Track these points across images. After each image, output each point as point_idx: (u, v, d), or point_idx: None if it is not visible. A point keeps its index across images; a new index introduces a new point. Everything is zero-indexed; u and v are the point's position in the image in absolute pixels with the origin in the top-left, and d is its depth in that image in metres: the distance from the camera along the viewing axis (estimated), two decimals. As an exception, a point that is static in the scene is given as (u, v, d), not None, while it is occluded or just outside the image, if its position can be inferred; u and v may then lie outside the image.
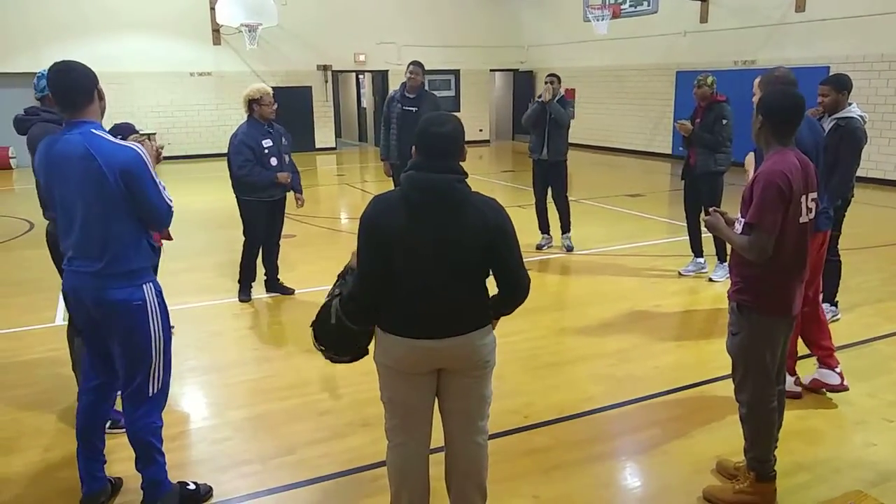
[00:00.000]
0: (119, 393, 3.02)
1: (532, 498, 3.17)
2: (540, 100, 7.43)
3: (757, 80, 3.99)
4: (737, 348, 3.02)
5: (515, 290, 2.51)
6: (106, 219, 2.71)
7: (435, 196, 2.38)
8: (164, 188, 2.86)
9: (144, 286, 2.85)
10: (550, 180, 7.63)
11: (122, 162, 2.67)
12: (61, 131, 2.76)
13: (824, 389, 4.11)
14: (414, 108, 6.88)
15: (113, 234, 2.73)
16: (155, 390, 2.95)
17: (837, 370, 4.11)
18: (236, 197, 5.90)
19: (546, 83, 7.40)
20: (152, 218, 2.84)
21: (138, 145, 2.78)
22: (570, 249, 7.71)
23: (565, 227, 7.77)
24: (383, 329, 2.54)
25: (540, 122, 7.42)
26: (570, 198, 7.82)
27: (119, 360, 2.90)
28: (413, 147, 2.48)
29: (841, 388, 4.08)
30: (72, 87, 2.71)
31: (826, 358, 4.14)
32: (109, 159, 2.65)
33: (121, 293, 2.77)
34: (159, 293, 2.93)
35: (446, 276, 2.42)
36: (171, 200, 2.87)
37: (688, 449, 3.58)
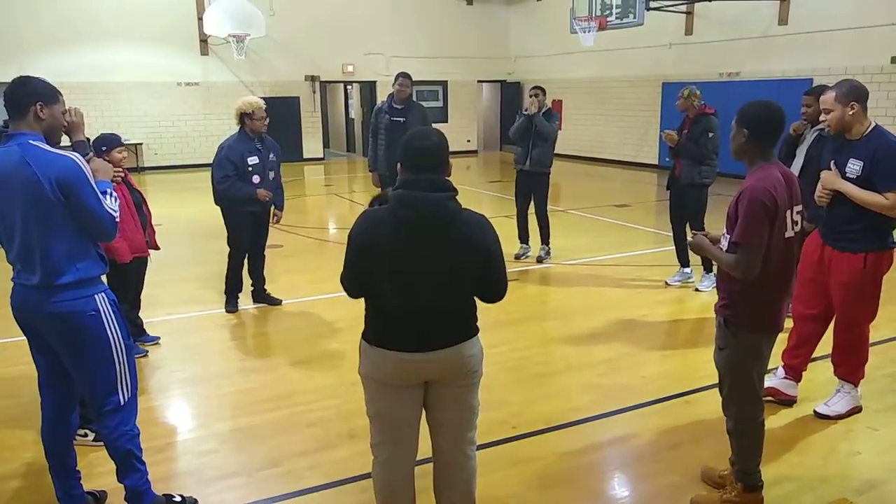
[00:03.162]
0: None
1: (520, 508, 3.16)
2: (526, 112, 7.47)
3: (832, 96, 3.68)
4: (724, 363, 3.02)
5: (494, 299, 2.58)
6: (44, 229, 2.67)
7: (426, 215, 2.37)
8: (114, 198, 2.82)
9: (96, 296, 2.80)
10: (533, 192, 7.64)
11: (58, 171, 2.63)
12: (1, 144, 2.74)
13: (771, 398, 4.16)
14: (402, 119, 6.90)
15: (53, 244, 2.68)
16: (126, 398, 2.92)
17: (797, 383, 4.22)
18: (221, 210, 5.86)
19: (531, 96, 7.44)
20: (94, 228, 2.77)
21: (76, 154, 2.75)
22: (540, 260, 7.73)
23: (544, 239, 7.80)
24: (370, 343, 2.52)
25: (526, 134, 7.45)
26: (557, 208, 7.92)
27: (82, 374, 2.85)
28: (399, 163, 2.47)
29: (793, 401, 4.16)
30: (11, 98, 2.71)
31: (802, 372, 4.23)
32: (45, 168, 2.62)
33: (71, 305, 2.72)
34: (113, 301, 2.88)
35: (436, 292, 2.42)
36: (115, 211, 2.81)
37: (675, 458, 3.59)
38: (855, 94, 3.67)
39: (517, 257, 7.81)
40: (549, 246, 7.84)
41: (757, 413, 3.03)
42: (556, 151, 7.65)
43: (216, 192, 5.73)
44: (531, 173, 7.53)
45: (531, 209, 7.74)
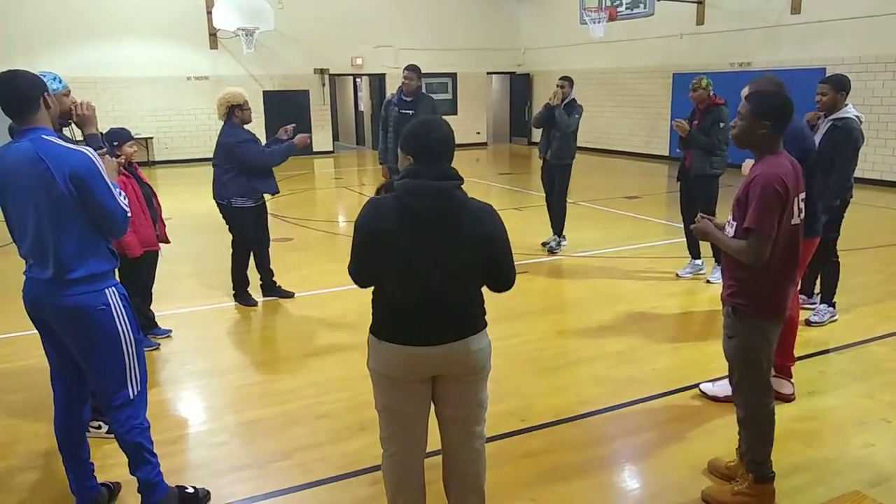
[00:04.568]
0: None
1: (530, 501, 3.16)
2: (549, 103, 7.54)
3: (746, 90, 3.91)
4: (733, 351, 3.02)
5: (502, 287, 2.57)
6: (56, 224, 2.68)
7: (434, 203, 2.35)
8: (121, 195, 2.82)
9: (107, 290, 2.81)
10: (554, 182, 7.76)
11: (72, 165, 2.64)
12: (12, 140, 2.73)
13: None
14: (410, 111, 6.89)
15: (64, 239, 2.69)
16: (135, 392, 2.93)
17: (792, 380, 4.12)
18: (224, 206, 5.81)
19: (557, 87, 7.50)
20: (106, 223, 2.77)
21: (89, 148, 2.75)
22: (551, 251, 7.77)
23: (557, 230, 7.88)
24: (377, 336, 2.52)
25: (546, 124, 7.55)
26: (567, 200, 7.88)
27: (91, 368, 2.86)
28: (401, 151, 2.45)
29: (791, 399, 4.06)
30: (15, 96, 2.69)
31: (790, 367, 4.15)
32: (59, 162, 2.62)
33: (82, 299, 2.73)
34: (123, 296, 2.88)
35: (443, 282, 2.40)
36: (126, 206, 2.82)
37: (686, 451, 3.58)
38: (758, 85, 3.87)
39: (544, 245, 7.89)
40: (562, 238, 7.87)
41: (766, 400, 3.02)
42: (576, 144, 7.71)
43: (260, 167, 5.71)
44: (552, 164, 7.65)
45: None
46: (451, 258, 2.39)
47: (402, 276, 2.40)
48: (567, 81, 7.51)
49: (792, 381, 4.13)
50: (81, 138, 3.22)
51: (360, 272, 2.52)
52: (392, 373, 2.51)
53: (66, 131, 3.38)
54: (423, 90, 7.46)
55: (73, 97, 3.29)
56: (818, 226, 4.08)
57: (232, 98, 5.64)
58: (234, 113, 5.65)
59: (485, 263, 2.45)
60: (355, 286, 2.59)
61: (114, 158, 3.21)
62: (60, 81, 3.39)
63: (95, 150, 2.84)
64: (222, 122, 5.74)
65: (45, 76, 3.25)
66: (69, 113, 3.18)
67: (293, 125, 6.03)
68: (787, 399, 4.05)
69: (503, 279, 2.54)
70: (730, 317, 3.00)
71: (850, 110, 4.90)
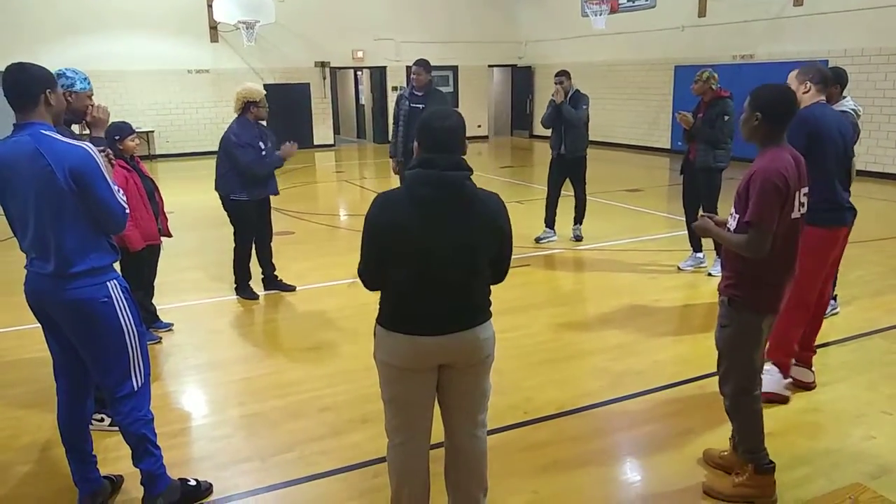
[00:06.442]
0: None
1: (532, 493, 3.17)
2: (553, 101, 7.57)
3: (794, 73, 4.01)
4: (725, 341, 3.04)
5: (497, 280, 2.62)
6: (57, 219, 2.68)
7: (445, 193, 2.37)
8: (119, 191, 2.82)
9: (108, 283, 2.81)
10: (571, 175, 7.85)
11: (72, 161, 2.64)
12: (10, 134, 2.73)
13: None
14: (421, 106, 6.86)
15: (65, 234, 2.69)
16: (139, 384, 2.94)
17: (813, 369, 4.17)
18: (224, 199, 5.81)
19: (555, 83, 7.51)
20: (106, 219, 2.78)
21: (89, 145, 2.75)
22: (579, 239, 7.94)
23: (579, 219, 8.01)
24: (386, 327, 2.52)
25: (557, 121, 7.61)
26: (568, 193, 7.96)
27: (95, 360, 2.87)
28: (416, 143, 2.47)
29: (812, 386, 4.13)
30: (16, 88, 2.68)
31: (810, 357, 4.19)
32: (59, 158, 2.62)
33: (84, 292, 2.74)
34: (125, 288, 2.89)
35: (453, 273, 2.42)
36: (125, 203, 2.82)
37: (687, 443, 3.58)
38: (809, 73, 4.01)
39: (538, 240, 7.88)
40: (578, 226, 8.05)
41: (752, 387, 3.03)
42: (588, 136, 7.84)
43: (247, 175, 5.67)
44: (568, 158, 7.71)
45: (558, 195, 7.91)
46: (462, 248, 2.40)
47: (413, 265, 2.41)
48: (564, 75, 7.54)
49: (813, 369, 4.17)
50: (86, 134, 3.23)
51: (369, 269, 2.52)
52: (401, 363, 2.51)
53: (75, 128, 3.39)
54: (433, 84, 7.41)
55: (92, 99, 3.31)
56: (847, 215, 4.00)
57: (248, 95, 5.65)
58: (248, 109, 5.66)
59: (491, 253, 2.48)
60: (357, 279, 2.59)
61: (108, 153, 3.21)
62: (89, 83, 3.40)
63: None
64: (236, 115, 5.74)
65: (76, 75, 3.28)
66: (84, 113, 3.18)
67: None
68: (808, 387, 4.11)
69: (500, 271, 2.59)
70: (725, 306, 3.01)
71: (846, 103, 4.87)
